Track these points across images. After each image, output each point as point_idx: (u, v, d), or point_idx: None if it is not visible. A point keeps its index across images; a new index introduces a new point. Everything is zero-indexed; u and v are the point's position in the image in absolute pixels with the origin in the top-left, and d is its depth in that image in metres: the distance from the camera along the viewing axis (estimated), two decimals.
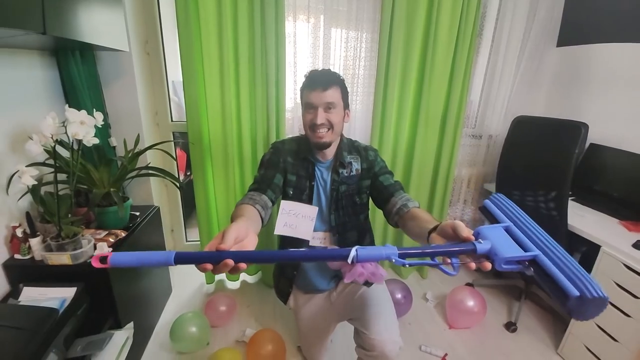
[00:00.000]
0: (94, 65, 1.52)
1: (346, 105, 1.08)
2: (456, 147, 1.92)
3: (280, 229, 1.03)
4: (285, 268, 1.24)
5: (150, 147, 1.45)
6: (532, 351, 1.57)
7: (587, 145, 1.84)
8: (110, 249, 1.21)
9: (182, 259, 0.51)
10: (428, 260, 0.54)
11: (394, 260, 0.51)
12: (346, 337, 1.52)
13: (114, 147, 1.70)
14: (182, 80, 1.58)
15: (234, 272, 0.53)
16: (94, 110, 1.19)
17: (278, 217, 1.01)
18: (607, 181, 1.76)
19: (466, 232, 0.56)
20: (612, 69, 1.81)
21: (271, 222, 1.13)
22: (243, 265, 0.52)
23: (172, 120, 1.95)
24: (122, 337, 1.16)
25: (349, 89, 1.12)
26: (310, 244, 1.18)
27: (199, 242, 1.95)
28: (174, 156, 1.84)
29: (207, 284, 1.91)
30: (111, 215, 1.34)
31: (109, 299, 1.18)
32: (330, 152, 1.13)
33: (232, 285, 1.94)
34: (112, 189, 1.32)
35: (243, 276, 1.98)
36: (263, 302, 1.81)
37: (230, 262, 0.50)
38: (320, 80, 1.01)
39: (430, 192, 2.01)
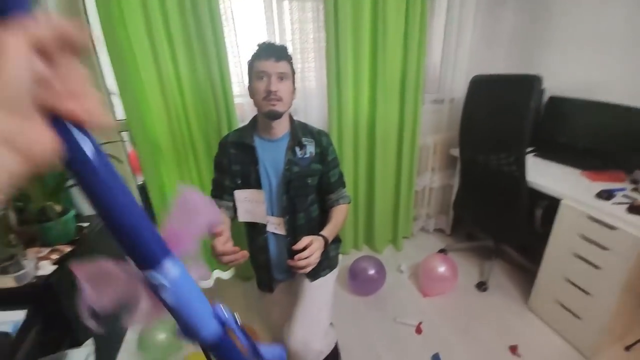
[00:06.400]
0: None
1: (294, 82, 1.09)
2: (418, 113, 1.87)
3: (242, 216, 1.11)
4: (258, 259, 1.22)
5: None
6: (503, 308, 1.61)
7: (547, 98, 1.82)
8: (56, 266, 1.14)
9: None
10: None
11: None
12: None
13: None
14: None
15: None
16: None
17: (237, 206, 1.09)
18: (571, 132, 1.73)
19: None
20: (569, 18, 1.75)
21: None
22: None
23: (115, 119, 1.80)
24: (80, 356, 1.11)
25: (298, 66, 1.13)
26: (267, 228, 1.15)
27: None
28: (120, 159, 1.71)
29: None
30: (52, 230, 1.25)
31: (63, 317, 1.12)
32: (280, 129, 1.10)
33: (204, 283, 1.89)
34: (47, 203, 1.22)
35: (217, 273, 1.93)
36: (237, 298, 1.78)
37: None
38: (274, 51, 1.00)
39: (396, 162, 1.97)
